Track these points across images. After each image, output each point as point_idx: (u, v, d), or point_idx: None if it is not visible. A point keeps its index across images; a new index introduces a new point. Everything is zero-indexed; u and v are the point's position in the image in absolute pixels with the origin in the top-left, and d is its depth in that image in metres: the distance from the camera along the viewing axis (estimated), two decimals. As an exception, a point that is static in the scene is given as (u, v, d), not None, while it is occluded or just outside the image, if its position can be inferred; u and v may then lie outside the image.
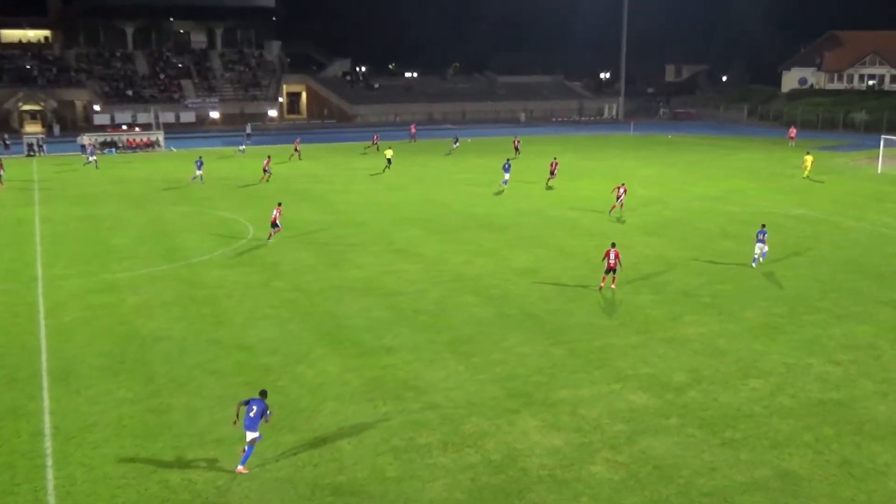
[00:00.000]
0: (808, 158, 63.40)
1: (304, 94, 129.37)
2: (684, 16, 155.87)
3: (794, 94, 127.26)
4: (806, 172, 62.52)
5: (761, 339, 26.57)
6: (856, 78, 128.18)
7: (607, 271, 31.66)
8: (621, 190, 48.06)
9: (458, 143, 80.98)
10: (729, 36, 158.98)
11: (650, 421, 20.61)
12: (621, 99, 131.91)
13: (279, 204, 42.21)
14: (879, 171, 66.29)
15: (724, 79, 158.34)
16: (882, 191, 57.06)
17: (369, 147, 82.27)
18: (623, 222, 45.66)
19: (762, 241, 35.69)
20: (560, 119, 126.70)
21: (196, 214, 47.88)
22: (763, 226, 36.65)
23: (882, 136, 70.81)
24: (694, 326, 27.78)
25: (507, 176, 57.51)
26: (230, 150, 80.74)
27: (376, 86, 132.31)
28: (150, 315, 28.88)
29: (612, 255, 31.53)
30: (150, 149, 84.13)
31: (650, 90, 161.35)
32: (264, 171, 60.39)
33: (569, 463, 18.62)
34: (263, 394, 18.75)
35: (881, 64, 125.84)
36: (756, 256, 35.67)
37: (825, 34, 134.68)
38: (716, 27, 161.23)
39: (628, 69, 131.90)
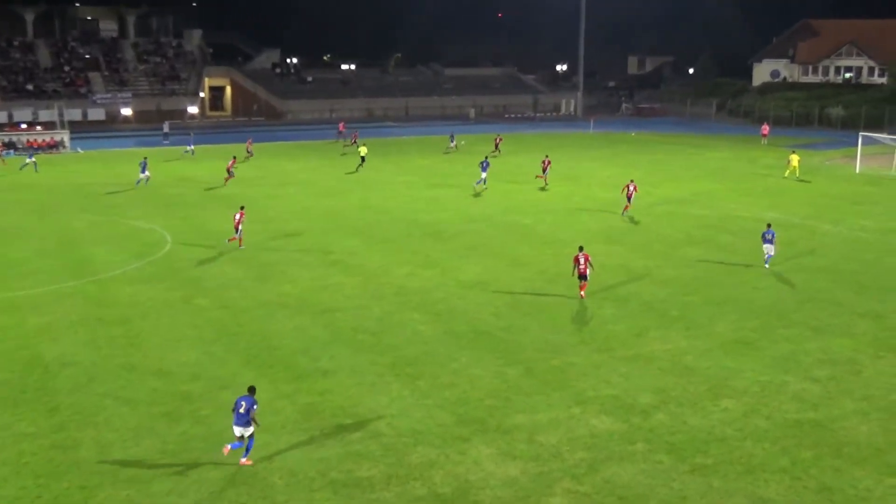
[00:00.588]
0: (795, 157, 64.64)
1: (228, 89, 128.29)
2: (648, 3, 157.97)
3: (766, 88, 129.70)
4: (796, 173, 63.72)
5: (733, 355, 27.00)
6: (832, 70, 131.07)
7: (580, 278, 32.34)
8: (631, 188, 49.37)
9: (454, 142, 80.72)
10: (696, 25, 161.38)
11: (614, 447, 20.80)
12: (580, 93, 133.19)
13: (242, 207, 42.11)
14: (857, 171, 67.85)
15: (691, 71, 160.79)
16: (860, 192, 58.40)
17: (348, 146, 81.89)
18: (637, 223, 47.23)
19: (770, 242, 37.20)
20: (513, 115, 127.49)
21: (107, 224, 47.20)
22: (769, 225, 37.98)
23: (860, 134, 72.47)
24: (660, 342, 28.13)
25: (483, 175, 58.15)
26: (177, 150, 79.32)
27: (309, 79, 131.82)
28: (55, 338, 28.38)
29: (581, 260, 32.25)
30: (54, 150, 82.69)
31: (611, 84, 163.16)
32: (228, 171, 61.45)
33: (526, 494, 18.70)
34: (252, 390, 20.34)
35: (858, 55, 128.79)
36: (768, 256, 37.35)
37: (798, 23, 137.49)
38: (682, 15, 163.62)
39: (587, 61, 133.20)
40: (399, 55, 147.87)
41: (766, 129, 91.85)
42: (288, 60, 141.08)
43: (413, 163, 72.73)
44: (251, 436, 19.89)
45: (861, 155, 69.79)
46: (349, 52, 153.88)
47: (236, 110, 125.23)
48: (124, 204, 53.10)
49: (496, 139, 79.43)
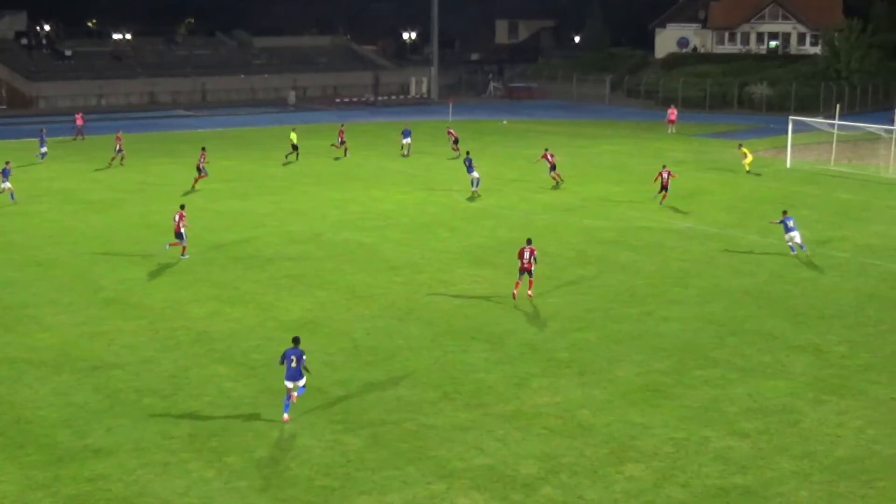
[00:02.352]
0: (747, 152, 67.19)
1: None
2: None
3: (673, 61, 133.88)
4: (747, 167, 66.52)
5: (639, 406, 27.62)
6: (753, 38, 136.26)
7: (522, 272, 36.34)
8: (665, 174, 54.42)
9: (409, 139, 77.59)
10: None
11: (489, 534, 20.99)
12: (434, 70, 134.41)
13: (182, 206, 44.24)
14: (789, 166, 70.56)
15: (577, 39, 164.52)
16: (793, 193, 60.60)
17: (335, 146, 79.22)
18: (682, 212, 52.38)
19: (793, 230, 42.67)
20: (347, 99, 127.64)
21: None
22: (784, 212, 43.75)
23: (790, 118, 75.28)
24: (546, 394, 28.53)
25: (475, 174, 59.40)
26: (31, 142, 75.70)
27: (68, 53, 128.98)
28: None
29: (526, 254, 36.23)
30: None
31: (474, 57, 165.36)
32: (198, 169, 63.03)
33: None
34: (296, 340, 26.72)
35: (785, 18, 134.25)
36: (798, 244, 42.87)
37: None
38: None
39: (443, 27, 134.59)
40: (191, 20, 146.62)
41: (672, 113, 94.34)
42: (38, 27, 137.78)
43: (213, 164, 71.92)
44: (303, 385, 26.33)
45: (792, 145, 72.39)
46: (123, 17, 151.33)
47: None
48: None
49: (450, 133, 77.62)
